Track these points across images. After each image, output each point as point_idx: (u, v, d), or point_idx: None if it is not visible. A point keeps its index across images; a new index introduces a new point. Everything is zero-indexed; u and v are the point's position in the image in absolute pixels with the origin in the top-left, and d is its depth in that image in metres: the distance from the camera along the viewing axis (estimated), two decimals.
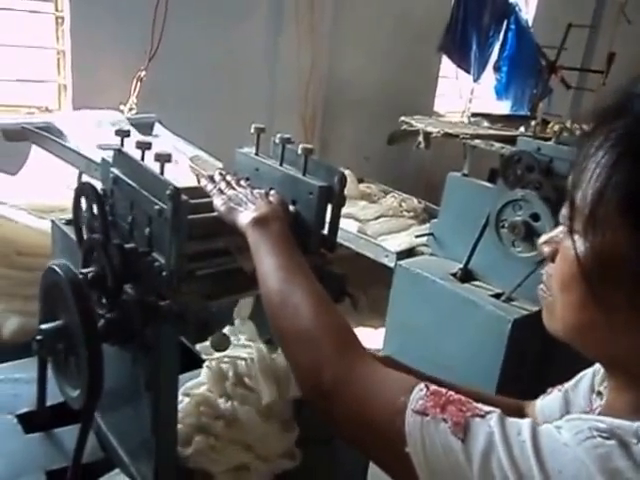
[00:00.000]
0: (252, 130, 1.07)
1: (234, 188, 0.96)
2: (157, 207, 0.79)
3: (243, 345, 1.13)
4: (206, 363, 1.08)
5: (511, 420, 0.57)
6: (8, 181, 1.92)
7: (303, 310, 0.74)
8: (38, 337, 0.86)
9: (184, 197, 0.77)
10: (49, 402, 1.15)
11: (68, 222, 1.14)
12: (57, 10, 2.88)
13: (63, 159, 1.25)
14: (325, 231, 1.01)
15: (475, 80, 4.87)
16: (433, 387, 0.61)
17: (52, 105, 3.01)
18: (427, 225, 2.88)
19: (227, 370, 1.08)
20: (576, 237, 0.59)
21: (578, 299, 0.60)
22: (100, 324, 0.83)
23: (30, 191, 1.69)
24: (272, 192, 0.98)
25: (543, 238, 0.67)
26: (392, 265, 2.45)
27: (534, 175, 1.89)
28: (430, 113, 4.38)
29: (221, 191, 0.95)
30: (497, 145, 2.05)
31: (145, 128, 1.94)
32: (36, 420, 1.13)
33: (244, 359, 1.08)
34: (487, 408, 0.58)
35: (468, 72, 4.78)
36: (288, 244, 0.84)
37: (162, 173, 0.83)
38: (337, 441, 1.08)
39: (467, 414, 0.57)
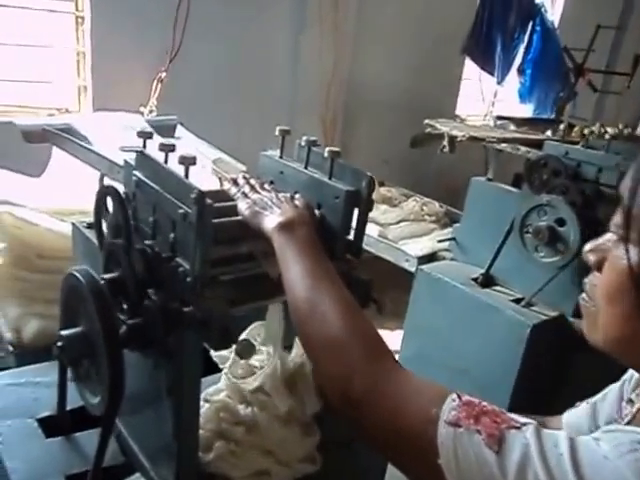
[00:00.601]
0: (277, 132, 1.04)
1: (258, 192, 0.94)
2: (181, 211, 0.77)
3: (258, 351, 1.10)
4: (224, 370, 1.06)
5: (547, 432, 0.55)
6: (29, 184, 1.92)
7: (331, 317, 0.72)
8: (58, 343, 0.84)
9: (209, 200, 0.75)
10: (69, 406, 1.14)
11: (89, 225, 1.13)
12: (77, 10, 2.89)
13: (84, 161, 1.24)
14: (351, 236, 0.98)
15: (499, 83, 4.80)
16: (465, 397, 0.60)
17: (72, 107, 3.02)
18: (449, 230, 2.85)
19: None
20: (630, 246, 0.56)
21: (624, 310, 0.58)
22: (122, 330, 0.81)
23: (51, 194, 1.69)
24: (297, 196, 0.96)
25: (589, 246, 0.64)
26: (413, 270, 2.41)
27: (560, 180, 1.85)
28: (452, 116, 4.33)
29: (245, 195, 0.93)
30: (523, 149, 2.01)
31: (167, 130, 1.93)
32: (56, 424, 1.12)
33: (260, 367, 1.06)
34: (523, 419, 0.57)
35: (492, 74, 4.71)
36: (315, 249, 0.82)
37: (187, 176, 0.81)
38: (357, 444, 1.07)
39: (502, 426, 0.55)
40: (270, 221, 0.85)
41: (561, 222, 1.81)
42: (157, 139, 0.94)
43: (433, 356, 2.16)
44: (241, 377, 1.04)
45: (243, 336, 1.07)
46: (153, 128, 1.45)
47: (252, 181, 0.98)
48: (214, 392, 1.06)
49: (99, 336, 0.81)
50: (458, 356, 2.08)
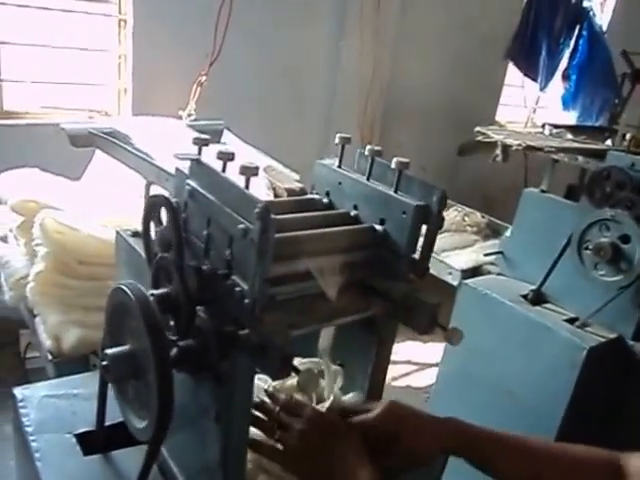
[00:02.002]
0: (337, 140, 0.97)
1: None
2: (241, 226, 0.71)
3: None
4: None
5: None
6: (71, 187, 1.90)
7: None
8: (104, 362, 0.78)
9: (274, 216, 0.69)
10: (108, 421, 1.09)
11: (134, 234, 1.08)
12: (120, 13, 2.89)
13: (130, 167, 1.20)
14: (416, 255, 0.90)
15: (542, 89, 4.66)
16: None
17: (111, 109, 3.02)
18: (492, 242, 2.74)
19: None
20: None
21: None
22: (173, 353, 0.75)
23: (94, 202, 1.65)
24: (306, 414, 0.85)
25: None
26: (455, 283, 2.32)
27: (625, 193, 1.73)
28: (492, 123, 4.22)
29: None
30: (581, 159, 1.90)
31: (213, 135, 1.87)
32: (95, 441, 1.07)
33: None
34: None
35: (535, 80, 4.57)
36: None
37: (247, 188, 0.75)
38: (407, 475, 0.99)
39: None
40: None
41: (625, 239, 1.69)
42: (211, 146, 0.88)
43: (476, 375, 2.06)
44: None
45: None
46: (199, 133, 1.39)
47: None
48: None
49: (148, 357, 0.75)
50: (504, 377, 1.97)
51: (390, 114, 3.84)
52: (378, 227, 0.90)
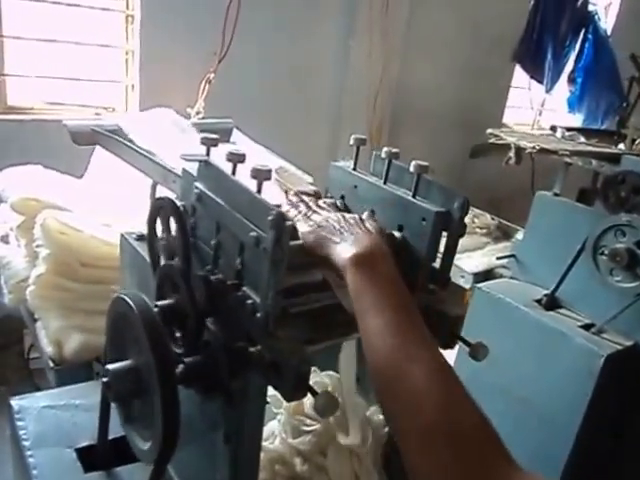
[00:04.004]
0: (351, 141, 0.92)
1: (317, 212, 0.77)
2: (253, 234, 0.66)
3: None
4: (278, 417, 0.94)
5: None
6: (74, 185, 1.85)
7: (425, 397, 0.58)
8: (104, 379, 0.74)
9: (288, 223, 0.64)
10: (111, 434, 1.04)
11: (139, 237, 1.03)
12: (127, 9, 2.85)
13: (135, 167, 1.15)
14: (436, 264, 0.85)
15: (547, 91, 4.63)
16: None
17: (119, 106, 2.98)
18: (503, 244, 2.70)
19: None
20: None
21: None
22: (179, 370, 0.70)
23: (98, 202, 1.60)
24: (365, 215, 0.80)
25: None
26: (467, 286, 2.28)
27: None
28: (500, 125, 4.17)
29: (307, 216, 0.76)
30: (595, 163, 1.85)
31: (222, 135, 1.82)
32: (96, 456, 1.02)
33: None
34: None
35: (541, 83, 4.54)
36: (401, 294, 0.66)
37: (259, 192, 0.70)
38: None
39: None
40: (342, 251, 0.67)
41: None
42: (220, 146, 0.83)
43: (490, 381, 2.00)
44: (299, 420, 0.91)
45: None
46: (207, 132, 1.35)
47: (306, 198, 0.82)
48: (267, 436, 0.93)
49: (152, 374, 0.70)
50: (518, 384, 1.93)
51: (399, 115, 3.79)
52: (397, 234, 0.85)
